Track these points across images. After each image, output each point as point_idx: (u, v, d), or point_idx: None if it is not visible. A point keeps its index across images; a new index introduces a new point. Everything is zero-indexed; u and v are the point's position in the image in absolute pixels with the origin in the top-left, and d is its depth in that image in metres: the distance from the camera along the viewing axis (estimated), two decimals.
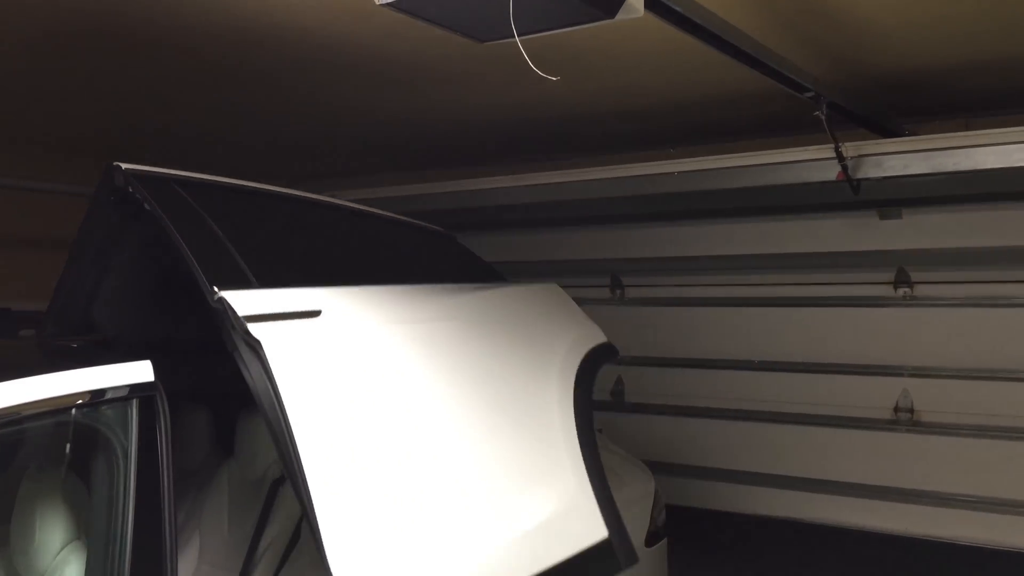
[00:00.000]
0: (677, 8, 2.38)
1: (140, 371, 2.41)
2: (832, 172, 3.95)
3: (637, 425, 5.83)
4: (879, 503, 5.00)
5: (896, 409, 5.06)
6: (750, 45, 2.95)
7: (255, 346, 2.10)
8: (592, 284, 6.01)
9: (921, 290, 5.06)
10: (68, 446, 2.38)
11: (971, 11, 3.20)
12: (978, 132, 3.79)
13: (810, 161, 4.01)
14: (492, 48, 2.11)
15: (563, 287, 6.06)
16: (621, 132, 5.02)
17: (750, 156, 4.16)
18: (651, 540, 3.89)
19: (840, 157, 3.85)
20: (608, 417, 5.90)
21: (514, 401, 2.92)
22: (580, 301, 6.04)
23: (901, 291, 5.09)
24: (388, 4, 1.86)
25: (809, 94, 3.52)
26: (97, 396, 2.30)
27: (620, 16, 1.93)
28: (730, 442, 5.51)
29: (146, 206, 2.37)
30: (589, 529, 2.82)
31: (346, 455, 2.22)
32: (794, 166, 4.07)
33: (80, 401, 2.26)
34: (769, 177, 4.16)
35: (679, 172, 4.36)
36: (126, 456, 2.32)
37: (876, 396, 5.12)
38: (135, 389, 2.35)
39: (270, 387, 2.09)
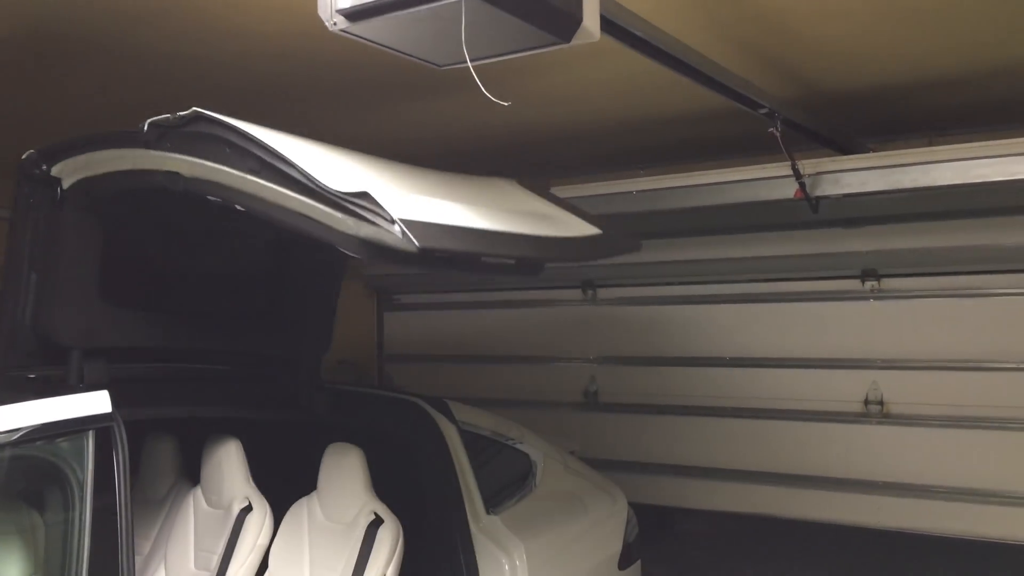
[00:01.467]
0: (634, 31, 2.35)
1: (96, 403, 2.42)
2: (790, 190, 3.92)
3: (611, 425, 5.87)
4: (852, 496, 5.07)
5: (866, 402, 5.10)
6: (700, 63, 2.92)
7: None
8: (565, 286, 6.02)
9: (888, 283, 5.08)
10: (22, 479, 2.39)
11: (930, 30, 3.17)
12: (936, 148, 3.76)
13: (768, 179, 3.97)
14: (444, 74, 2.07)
15: (535, 290, 6.14)
16: (587, 153, 4.97)
17: (707, 175, 4.12)
18: (624, 562, 3.94)
19: (797, 174, 3.82)
20: (582, 417, 5.95)
21: None
22: (554, 303, 6.14)
23: (868, 285, 5.11)
24: (343, 30, 1.80)
25: (763, 111, 3.49)
26: (51, 428, 2.29)
27: (576, 40, 1.90)
28: (704, 439, 5.56)
29: None
30: None
31: None
32: (752, 184, 4.04)
33: (33, 434, 2.27)
34: (727, 196, 4.12)
35: (637, 191, 4.32)
36: (81, 488, 2.34)
37: (846, 389, 5.16)
38: (90, 421, 2.36)
39: None
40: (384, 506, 3.12)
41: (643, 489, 5.63)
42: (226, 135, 2.14)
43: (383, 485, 3.28)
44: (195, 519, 3.42)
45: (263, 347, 3.55)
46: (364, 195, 1.91)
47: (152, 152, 2.31)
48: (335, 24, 1.73)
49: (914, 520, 4.89)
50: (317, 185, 1.97)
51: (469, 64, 1.76)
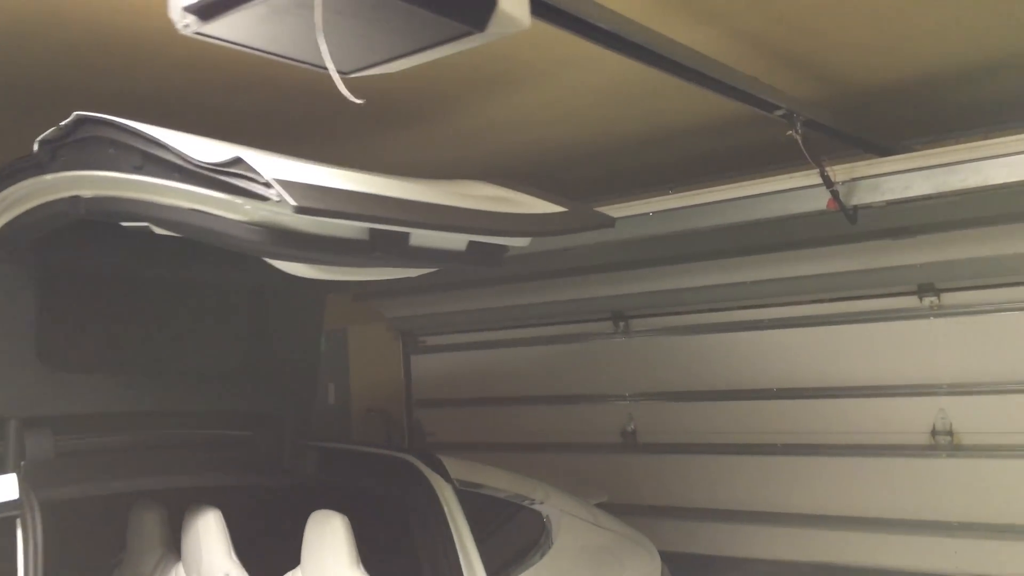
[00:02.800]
0: (585, 18, 1.97)
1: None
2: (822, 200, 3.48)
3: (652, 467, 5.42)
4: (923, 540, 4.52)
5: (934, 432, 4.56)
6: (689, 57, 2.51)
7: None
8: (594, 319, 5.63)
9: (950, 298, 4.56)
10: None
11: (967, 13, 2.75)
12: (987, 142, 3.28)
13: (797, 190, 3.54)
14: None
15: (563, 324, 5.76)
16: (594, 176, 4.60)
17: (729, 189, 3.71)
18: None
19: (827, 182, 3.38)
20: (620, 459, 5.52)
21: None
22: (584, 338, 5.74)
23: (927, 301, 4.59)
24: (198, 32, 1.47)
25: (780, 112, 3.08)
26: None
27: (495, 28, 1.53)
28: (753, 480, 5.07)
29: None
30: None
31: None
32: (779, 197, 3.61)
33: None
34: (753, 212, 3.70)
35: (653, 213, 3.92)
36: None
37: (910, 419, 4.63)
38: None
39: None
40: None
41: (688, 537, 5.18)
42: (108, 133, 1.89)
43: (375, 554, 2.93)
44: None
45: (239, 406, 3.24)
46: (237, 161, 1.66)
47: (47, 177, 2.04)
48: (186, 26, 1.41)
49: (996, 566, 4.31)
50: (191, 162, 1.70)
51: (330, 66, 1.41)
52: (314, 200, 1.58)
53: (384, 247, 1.83)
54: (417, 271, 2.31)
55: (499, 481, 3.38)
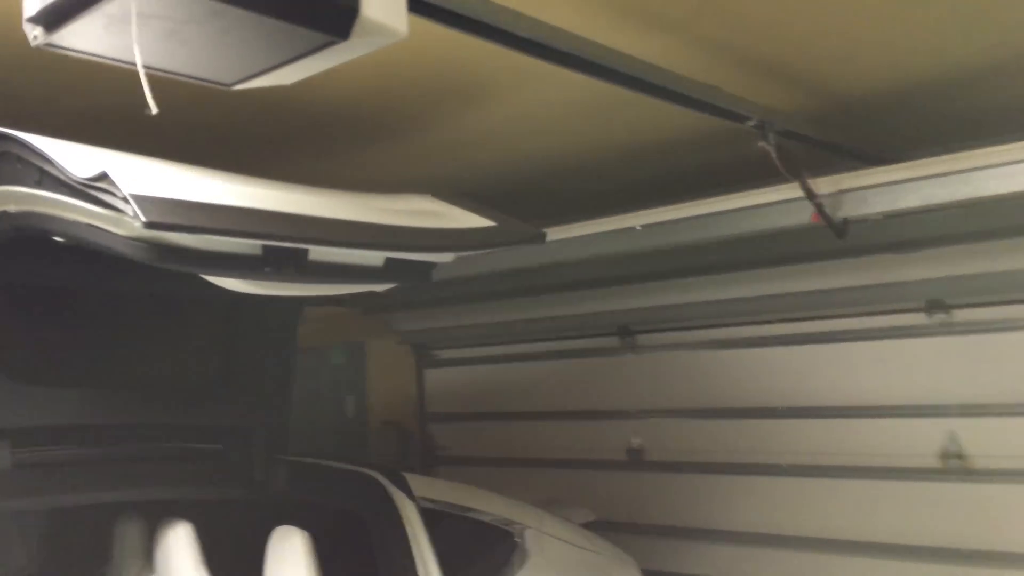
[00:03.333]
0: (481, 18, 1.91)
1: None
2: (806, 213, 3.37)
3: (658, 486, 5.31)
4: (934, 567, 4.33)
5: (944, 455, 4.38)
6: (631, 65, 2.44)
7: None
8: (600, 333, 5.55)
9: (961, 315, 4.37)
10: None
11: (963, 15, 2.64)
12: (976, 152, 3.13)
13: (780, 203, 3.43)
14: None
15: (570, 339, 5.69)
16: (571, 196, 4.53)
17: (714, 203, 3.61)
18: None
19: (809, 194, 3.26)
20: (626, 477, 5.42)
21: None
22: (590, 353, 5.67)
23: (936, 318, 4.41)
24: (47, 44, 1.43)
25: (751, 123, 2.99)
26: None
27: (361, 38, 1.48)
28: (757, 502, 4.93)
29: None
30: None
31: None
32: (763, 210, 3.50)
33: None
34: (739, 225, 3.60)
35: (642, 226, 3.84)
36: None
37: (919, 441, 4.45)
38: None
39: None
40: None
41: (691, 558, 5.06)
42: (13, 148, 1.90)
43: (336, 571, 2.91)
44: None
45: (209, 419, 3.25)
46: (103, 176, 1.64)
47: None
48: (35, 38, 1.40)
49: None
50: (70, 178, 1.69)
51: (141, 72, 1.39)
52: (169, 215, 1.57)
53: (277, 263, 1.81)
54: (364, 287, 2.29)
55: (470, 500, 3.33)
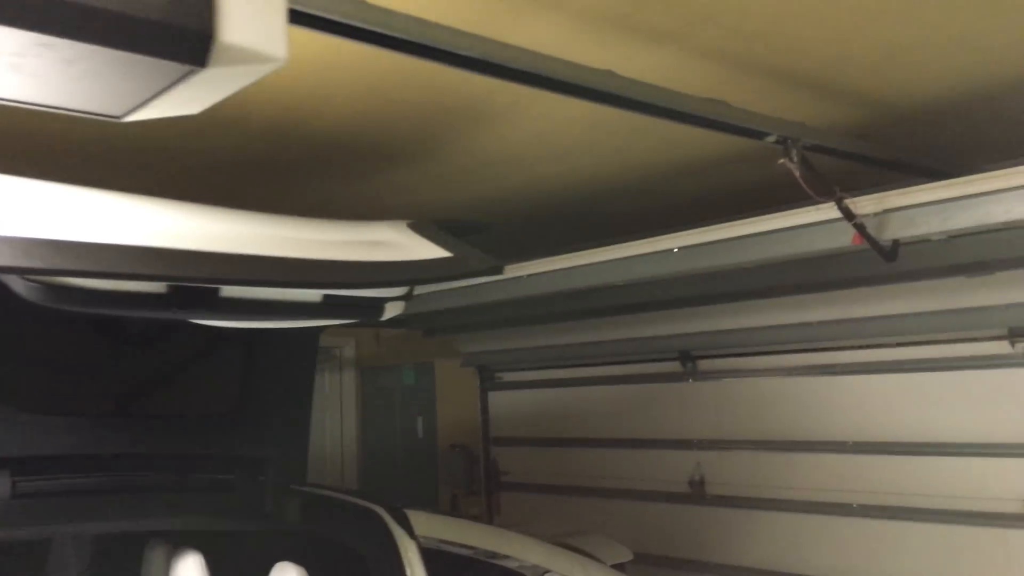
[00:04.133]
0: (392, 32, 1.77)
1: None
2: (846, 235, 3.07)
3: (721, 521, 5.00)
4: None
5: None
6: (622, 87, 2.26)
7: None
8: (661, 358, 5.30)
9: None
10: None
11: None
12: None
13: (820, 224, 3.14)
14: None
15: (632, 364, 5.46)
16: (622, 209, 4.32)
17: (747, 225, 3.34)
18: None
19: (848, 214, 2.97)
20: (688, 511, 5.14)
21: None
22: (651, 379, 5.43)
23: (1020, 347, 3.99)
24: None
25: (771, 139, 2.75)
26: None
27: (220, 64, 1.36)
28: (824, 544, 4.57)
29: None
30: None
31: None
32: (801, 232, 3.21)
33: None
34: (776, 248, 3.31)
35: (679, 248, 3.60)
36: None
37: (1005, 483, 4.02)
38: None
39: None
40: None
41: None
42: None
43: None
44: None
45: (222, 449, 3.21)
46: None
47: None
48: None
49: None
50: None
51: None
52: (7, 258, 1.49)
53: (184, 303, 1.72)
54: (312, 322, 2.19)
55: (477, 539, 3.17)
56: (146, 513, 3.04)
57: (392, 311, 2.21)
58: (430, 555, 2.95)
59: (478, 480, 6.49)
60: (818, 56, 2.64)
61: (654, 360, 5.36)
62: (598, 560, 3.64)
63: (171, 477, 3.10)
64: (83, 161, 3.19)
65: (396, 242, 2.08)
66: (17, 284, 1.67)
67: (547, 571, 3.22)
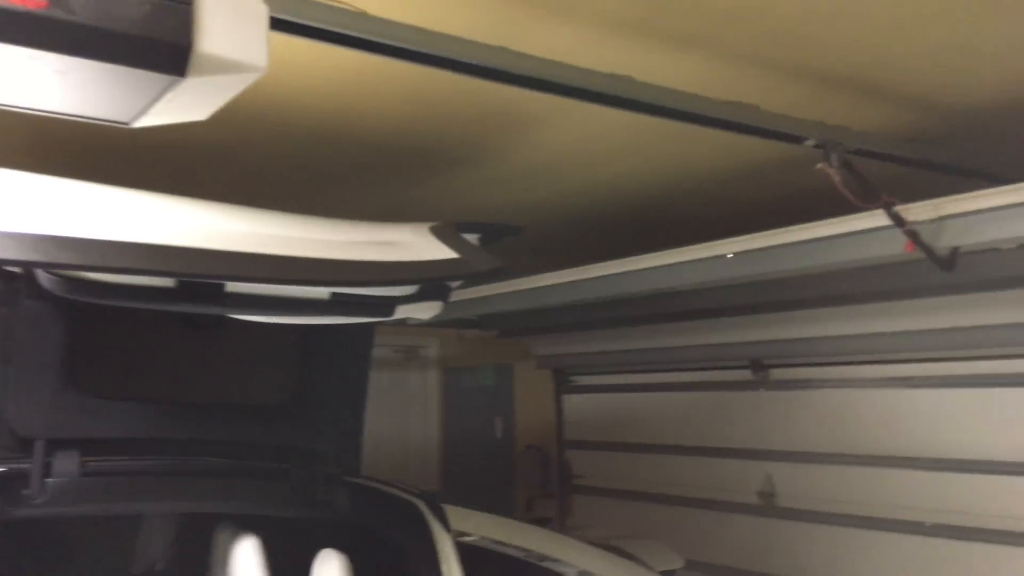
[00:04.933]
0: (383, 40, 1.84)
1: None
2: (898, 243, 2.97)
3: (792, 535, 4.88)
4: None
5: None
6: (644, 93, 2.28)
7: None
8: (732, 366, 5.21)
9: None
10: None
11: None
12: None
13: (867, 232, 3.04)
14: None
15: (702, 371, 5.38)
16: (673, 216, 4.28)
17: (802, 230, 3.26)
18: None
19: (898, 221, 2.87)
20: (758, 524, 5.03)
21: None
22: (722, 387, 5.34)
23: None
24: None
25: (810, 143, 2.70)
26: None
27: (198, 74, 1.46)
28: (896, 562, 4.39)
29: None
30: None
31: None
32: (850, 240, 3.12)
33: None
34: (830, 255, 3.22)
35: (734, 254, 3.55)
36: None
37: None
38: None
39: None
40: None
41: None
42: None
43: None
44: None
45: (277, 439, 3.36)
46: None
47: None
48: None
49: None
50: None
51: None
52: (16, 253, 1.62)
53: (190, 297, 1.84)
54: (325, 319, 2.28)
55: (516, 537, 3.21)
56: (204, 496, 3.21)
57: (410, 312, 2.28)
58: (466, 549, 3.01)
59: (552, 482, 6.52)
60: (861, 58, 2.58)
61: (726, 368, 5.27)
62: (645, 565, 3.62)
63: (229, 463, 3.27)
64: (142, 167, 3.41)
65: (408, 243, 2.15)
66: (43, 277, 1.82)
67: (586, 572, 3.24)
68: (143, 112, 1.64)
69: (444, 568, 2.94)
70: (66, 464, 2.89)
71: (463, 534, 3.08)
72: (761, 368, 5.07)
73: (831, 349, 4.67)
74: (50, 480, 2.86)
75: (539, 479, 6.62)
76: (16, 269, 2.67)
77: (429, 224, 2.46)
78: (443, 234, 2.25)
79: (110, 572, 4.00)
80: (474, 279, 2.29)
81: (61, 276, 1.79)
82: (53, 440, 2.88)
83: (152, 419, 3.12)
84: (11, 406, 2.84)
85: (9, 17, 1.28)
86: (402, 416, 7.74)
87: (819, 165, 2.69)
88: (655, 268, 3.73)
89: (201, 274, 1.80)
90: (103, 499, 3.01)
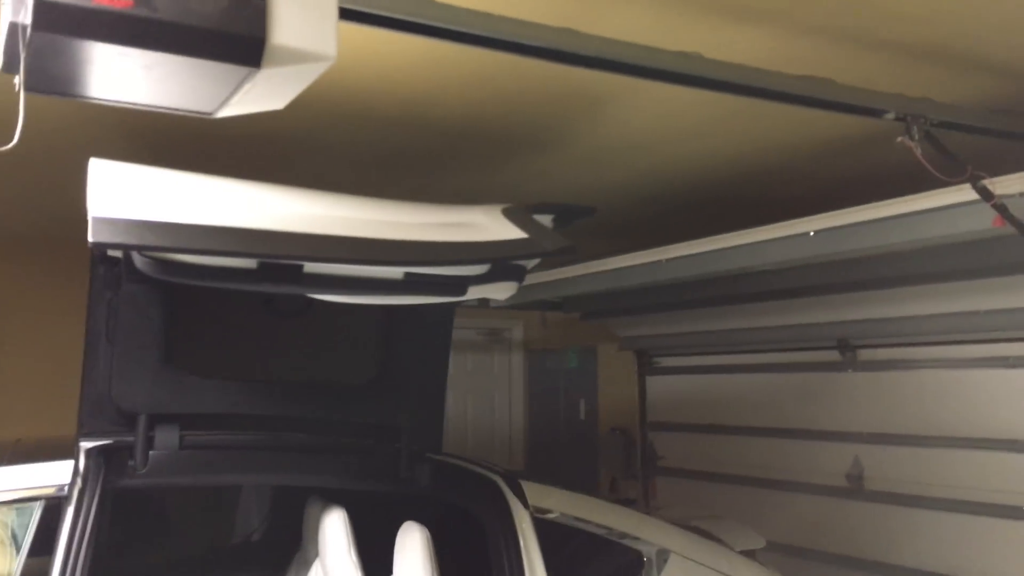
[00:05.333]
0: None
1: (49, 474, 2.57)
2: (986, 218, 2.87)
3: (880, 518, 4.77)
4: None
5: None
6: (693, 65, 2.26)
7: None
8: (819, 346, 5.12)
9: None
10: None
11: None
12: None
13: (954, 207, 2.95)
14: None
15: (788, 351, 5.30)
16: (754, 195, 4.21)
17: (886, 206, 3.19)
18: None
19: (985, 194, 2.78)
20: (845, 506, 4.94)
21: None
22: (809, 367, 5.25)
23: None
24: (31, 89, 1.64)
25: (890, 116, 2.63)
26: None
27: (279, 66, 1.55)
28: (990, 547, 4.25)
29: None
30: None
31: None
32: (938, 214, 3.04)
33: None
34: (915, 231, 3.14)
35: (815, 232, 3.49)
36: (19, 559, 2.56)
37: None
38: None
39: None
40: None
41: None
42: None
43: (456, 566, 3.02)
44: None
45: (362, 417, 3.48)
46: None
47: None
48: (16, 82, 1.62)
49: None
50: None
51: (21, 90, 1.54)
52: (112, 235, 1.74)
53: (270, 277, 1.93)
54: (401, 299, 2.35)
55: (594, 514, 3.25)
56: (294, 470, 3.36)
57: (483, 293, 2.33)
58: (546, 525, 3.07)
59: (635, 464, 6.53)
60: (943, 29, 2.50)
61: (812, 349, 5.17)
62: (726, 544, 3.62)
63: (317, 439, 3.41)
64: (231, 157, 3.56)
65: (479, 224, 2.21)
66: (137, 259, 1.95)
67: (665, 550, 3.26)
68: (224, 103, 1.74)
69: (521, 542, 3.01)
70: (167, 437, 3.07)
71: (544, 511, 3.12)
72: (849, 348, 4.96)
73: (921, 329, 4.54)
74: (152, 452, 3.04)
75: (622, 461, 6.64)
76: (118, 254, 2.84)
77: (502, 206, 2.51)
78: (514, 215, 2.30)
79: (209, 541, 4.22)
80: (544, 259, 2.32)
81: (152, 258, 1.91)
82: (154, 415, 3.06)
83: (245, 397, 3.27)
84: (115, 383, 3.02)
85: (98, 16, 1.38)
86: (487, 398, 7.86)
87: (900, 138, 2.62)
88: (737, 247, 3.70)
89: (280, 255, 1.89)
90: (200, 471, 3.18)
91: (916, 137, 2.61)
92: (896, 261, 3.89)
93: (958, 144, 2.78)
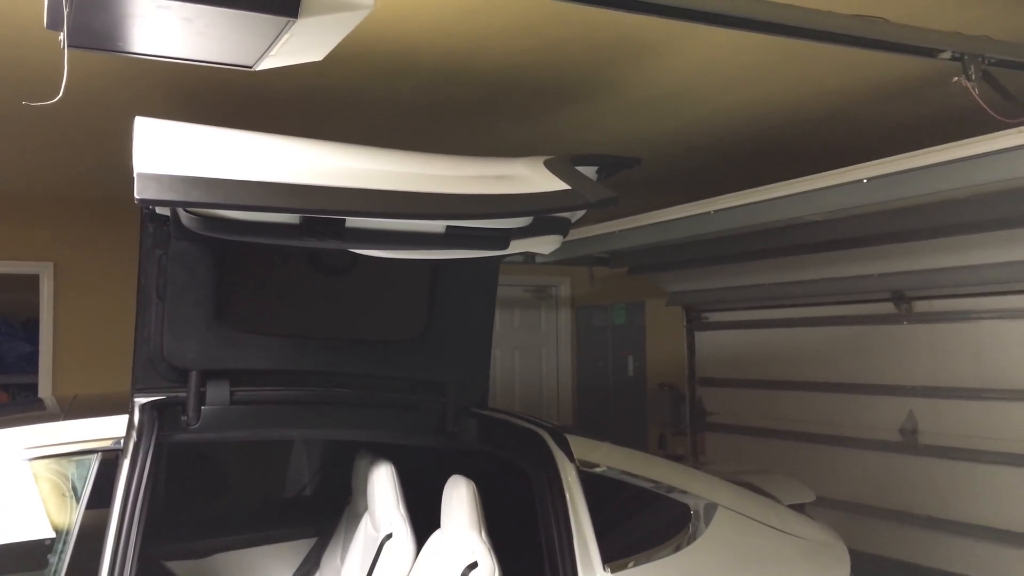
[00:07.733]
0: None
1: (106, 428, 2.67)
2: None
3: (934, 472, 4.70)
4: None
5: None
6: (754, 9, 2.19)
7: None
8: (873, 299, 5.02)
9: None
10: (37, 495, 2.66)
11: None
12: None
13: (1015, 150, 2.84)
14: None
15: (841, 304, 5.20)
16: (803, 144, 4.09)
17: (939, 152, 3.07)
18: None
19: None
20: (898, 460, 4.87)
21: None
22: (862, 320, 5.16)
23: None
24: (73, 46, 1.66)
25: (945, 55, 2.53)
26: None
27: (317, 15, 1.55)
28: None
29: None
30: None
31: None
32: (999, 158, 2.92)
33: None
34: (970, 177, 3.03)
35: (868, 179, 3.40)
36: (76, 510, 2.65)
37: None
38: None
39: None
40: (486, 549, 2.87)
41: (962, 556, 4.45)
42: None
43: (503, 523, 3.04)
44: (363, 541, 3.52)
45: (409, 373, 3.51)
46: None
47: None
48: (62, 39, 1.63)
49: None
50: None
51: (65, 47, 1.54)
52: (166, 193, 1.74)
53: (313, 232, 1.93)
54: (444, 253, 2.34)
55: (640, 468, 3.25)
56: (342, 425, 3.40)
57: (526, 246, 2.31)
58: (593, 479, 3.08)
59: (685, 419, 6.51)
60: None
61: (865, 301, 5.07)
62: (775, 498, 3.59)
63: (366, 395, 3.45)
64: (276, 114, 3.56)
65: (521, 176, 2.18)
66: (183, 216, 1.97)
67: (713, 503, 3.25)
68: (263, 55, 1.74)
69: (567, 495, 3.02)
70: (218, 393, 3.13)
71: (590, 464, 3.12)
72: (903, 300, 4.86)
73: (978, 278, 4.41)
74: (204, 408, 3.11)
75: (671, 416, 6.62)
76: (166, 212, 2.88)
77: (544, 158, 2.48)
78: (557, 167, 2.26)
79: (262, 496, 4.31)
80: (588, 211, 2.29)
81: (197, 214, 1.93)
82: (205, 371, 3.12)
83: (293, 353, 3.31)
84: (167, 340, 3.08)
85: None
86: (535, 355, 7.88)
87: (956, 78, 2.52)
88: (788, 197, 3.61)
89: (322, 210, 1.90)
90: (251, 426, 3.24)
91: (974, 77, 2.52)
92: (953, 208, 3.78)
93: (1018, 84, 2.67)
